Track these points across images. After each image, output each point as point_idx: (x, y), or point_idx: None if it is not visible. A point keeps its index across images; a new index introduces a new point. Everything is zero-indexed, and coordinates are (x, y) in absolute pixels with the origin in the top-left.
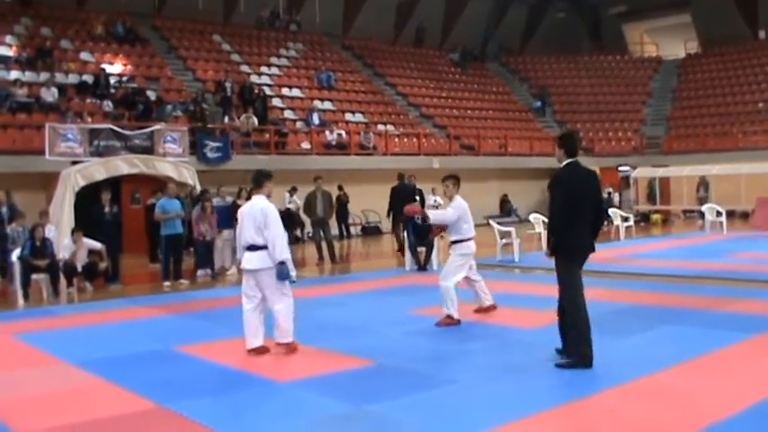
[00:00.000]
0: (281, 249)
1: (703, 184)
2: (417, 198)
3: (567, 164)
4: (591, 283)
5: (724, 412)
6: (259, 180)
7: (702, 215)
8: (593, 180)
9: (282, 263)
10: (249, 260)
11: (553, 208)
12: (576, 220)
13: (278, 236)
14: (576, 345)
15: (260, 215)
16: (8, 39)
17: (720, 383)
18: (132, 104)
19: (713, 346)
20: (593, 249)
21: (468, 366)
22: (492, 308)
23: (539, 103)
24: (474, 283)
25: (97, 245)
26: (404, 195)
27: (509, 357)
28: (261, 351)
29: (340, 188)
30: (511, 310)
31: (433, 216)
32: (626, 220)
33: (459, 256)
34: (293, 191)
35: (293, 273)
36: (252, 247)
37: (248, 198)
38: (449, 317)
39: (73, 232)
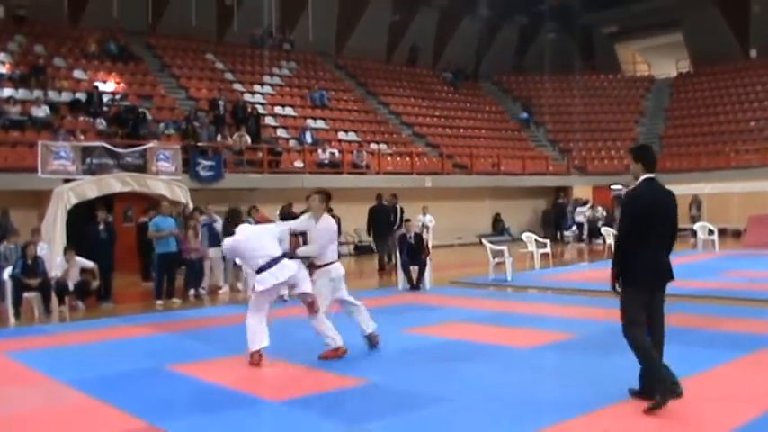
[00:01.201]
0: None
1: (696, 202)
2: (397, 217)
3: (645, 180)
4: (583, 302)
5: (718, 431)
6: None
7: (694, 233)
8: (672, 199)
9: None
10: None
11: (623, 228)
12: (648, 242)
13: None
14: (653, 382)
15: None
16: (1, 56)
17: (713, 402)
18: (125, 122)
19: (706, 365)
20: (671, 275)
21: (462, 385)
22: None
23: (525, 115)
24: (352, 308)
25: (89, 263)
26: (381, 215)
27: (504, 377)
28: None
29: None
30: (504, 330)
31: (301, 252)
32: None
33: (329, 281)
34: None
35: None
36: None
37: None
38: (334, 350)
39: (65, 251)
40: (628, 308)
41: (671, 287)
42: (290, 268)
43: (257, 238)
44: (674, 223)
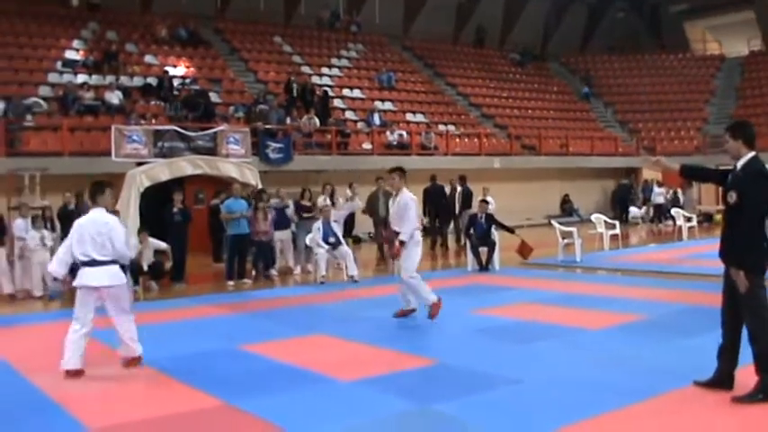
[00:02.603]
0: None
1: None
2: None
3: (756, 157)
4: (653, 283)
5: None
6: None
7: None
8: None
9: None
10: None
11: (756, 210)
12: (763, 224)
13: None
14: (763, 374)
15: None
16: (75, 43)
17: None
18: (195, 106)
19: None
20: None
21: (532, 367)
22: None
23: (586, 90)
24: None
25: (162, 245)
26: (435, 196)
27: (573, 358)
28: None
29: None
30: (573, 311)
31: (406, 235)
32: (689, 220)
33: (416, 243)
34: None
35: None
36: None
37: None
38: (435, 304)
39: (139, 232)
40: (762, 299)
41: None
42: (105, 277)
43: (86, 234)
44: None
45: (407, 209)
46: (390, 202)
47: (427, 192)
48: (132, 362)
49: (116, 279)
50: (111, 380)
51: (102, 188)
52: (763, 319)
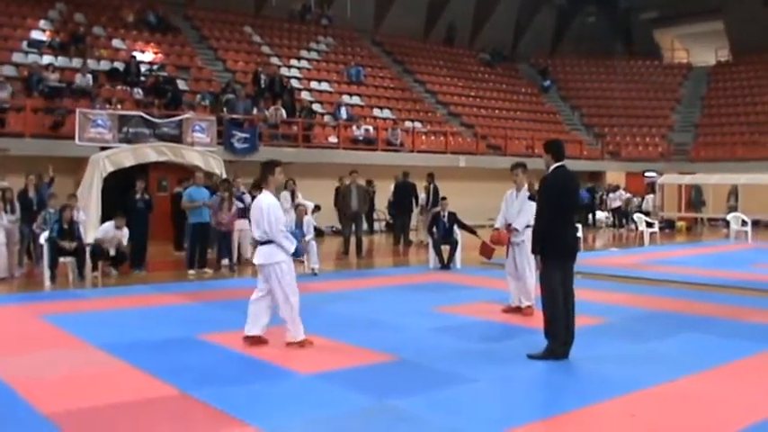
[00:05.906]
0: None
1: (734, 192)
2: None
3: (556, 168)
4: (613, 287)
5: (743, 421)
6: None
7: (728, 224)
8: (576, 182)
9: None
10: None
11: (542, 208)
12: (562, 220)
13: None
14: (548, 338)
15: None
16: (42, 23)
17: (740, 392)
18: (162, 93)
19: (734, 356)
20: (578, 248)
21: (490, 366)
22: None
23: (547, 82)
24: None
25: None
26: (402, 192)
27: (530, 359)
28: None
29: (369, 183)
30: (534, 312)
31: (519, 225)
32: (650, 226)
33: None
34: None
35: None
36: None
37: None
38: (532, 308)
39: (117, 217)
40: (550, 279)
41: (705, 277)
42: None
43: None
44: (578, 202)
45: (529, 203)
46: (511, 197)
47: (396, 187)
48: (292, 345)
49: (268, 258)
50: (67, 365)
51: (272, 169)
52: (551, 300)
